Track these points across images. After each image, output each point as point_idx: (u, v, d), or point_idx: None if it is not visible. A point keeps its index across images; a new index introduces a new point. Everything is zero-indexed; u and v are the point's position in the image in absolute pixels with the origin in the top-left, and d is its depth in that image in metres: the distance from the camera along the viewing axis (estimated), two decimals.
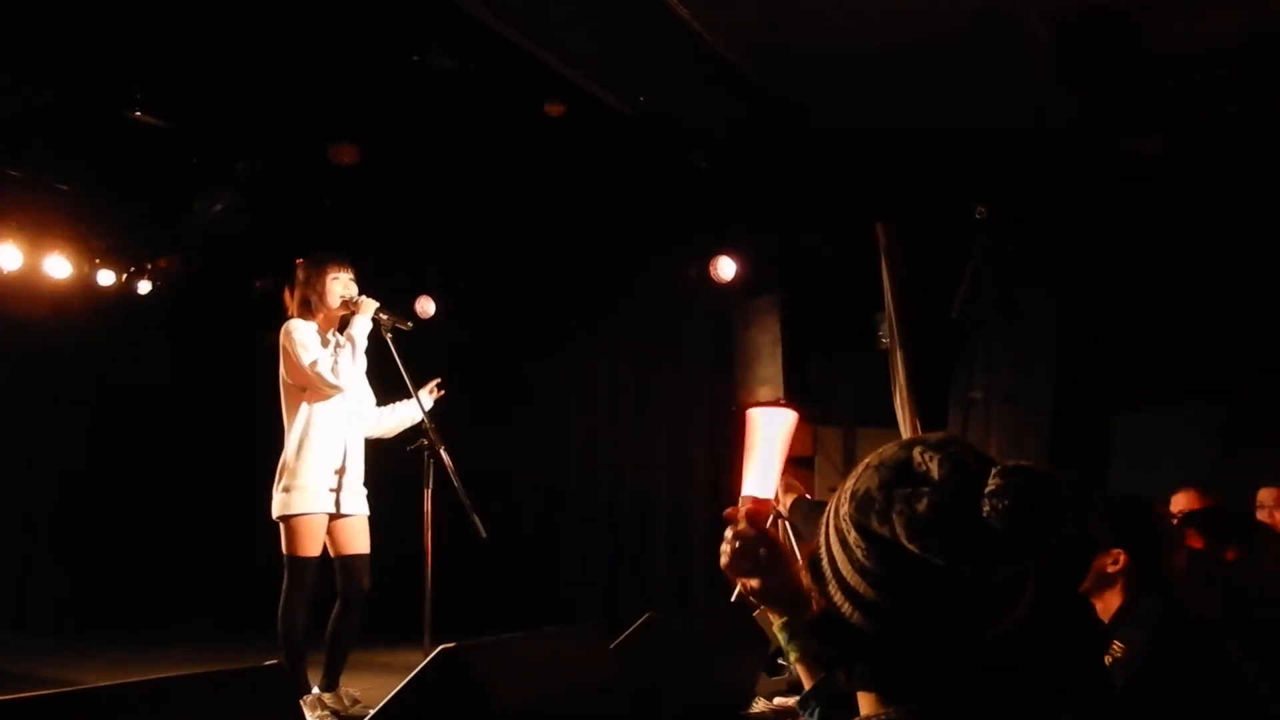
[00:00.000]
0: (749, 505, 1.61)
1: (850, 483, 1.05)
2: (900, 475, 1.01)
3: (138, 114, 5.45)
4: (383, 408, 4.64)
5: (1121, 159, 5.59)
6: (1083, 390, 6.02)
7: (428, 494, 4.32)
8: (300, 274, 4.50)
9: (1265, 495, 4.52)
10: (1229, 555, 2.91)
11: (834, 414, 7.19)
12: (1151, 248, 6.21)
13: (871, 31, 4.20)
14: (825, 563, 1.04)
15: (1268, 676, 2.44)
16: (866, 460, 1.08)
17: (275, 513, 4.30)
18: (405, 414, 4.63)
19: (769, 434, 1.75)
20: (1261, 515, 4.42)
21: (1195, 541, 2.96)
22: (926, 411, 6.19)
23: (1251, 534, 3.05)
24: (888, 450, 1.06)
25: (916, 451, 1.02)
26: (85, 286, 7.02)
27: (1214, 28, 4.49)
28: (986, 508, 0.93)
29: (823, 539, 1.05)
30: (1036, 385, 5.91)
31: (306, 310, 4.45)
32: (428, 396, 4.62)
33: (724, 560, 1.43)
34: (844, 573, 1.01)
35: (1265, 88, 4.82)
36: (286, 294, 4.53)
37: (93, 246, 7.00)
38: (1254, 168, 5.70)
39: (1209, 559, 2.90)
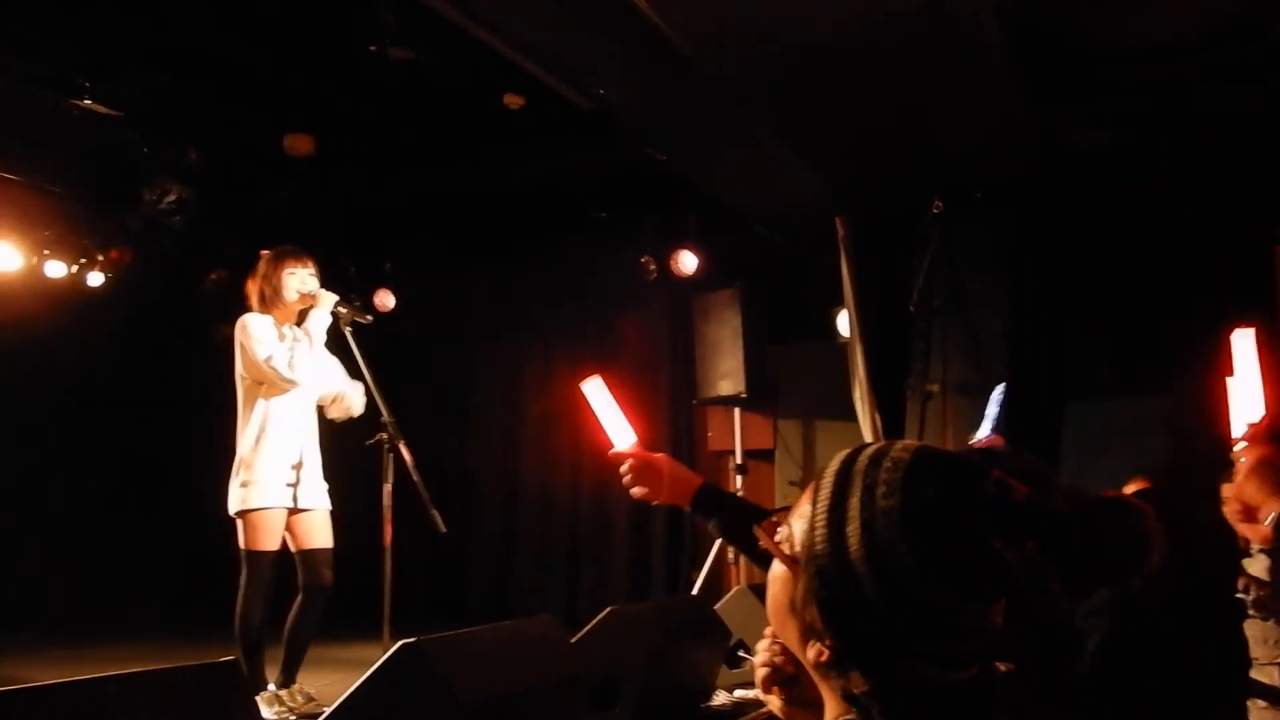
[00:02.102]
0: (622, 452, 2.09)
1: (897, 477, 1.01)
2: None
3: (87, 102, 5.34)
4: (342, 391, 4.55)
5: (1069, 151, 5.67)
6: (1036, 381, 6.10)
7: (387, 489, 4.28)
8: (261, 266, 4.45)
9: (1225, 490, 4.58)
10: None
11: (793, 407, 7.23)
12: (1100, 239, 6.31)
13: (822, 23, 4.22)
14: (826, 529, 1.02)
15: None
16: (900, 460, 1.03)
17: (232, 508, 4.25)
18: (339, 387, 4.53)
19: (600, 399, 2.17)
20: (1225, 511, 4.48)
21: None
22: (885, 404, 6.25)
23: (1184, 526, 3.08)
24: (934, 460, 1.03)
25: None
26: (34, 278, 6.87)
27: (1165, 23, 4.57)
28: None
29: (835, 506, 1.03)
30: (990, 377, 5.99)
31: (263, 303, 4.39)
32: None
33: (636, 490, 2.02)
34: (853, 553, 0.99)
35: (1215, 83, 4.91)
36: (249, 285, 4.47)
37: (41, 237, 6.86)
38: (1205, 159, 5.81)
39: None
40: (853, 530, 0.99)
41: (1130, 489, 4.48)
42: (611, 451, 2.07)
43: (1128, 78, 4.99)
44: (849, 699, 1.02)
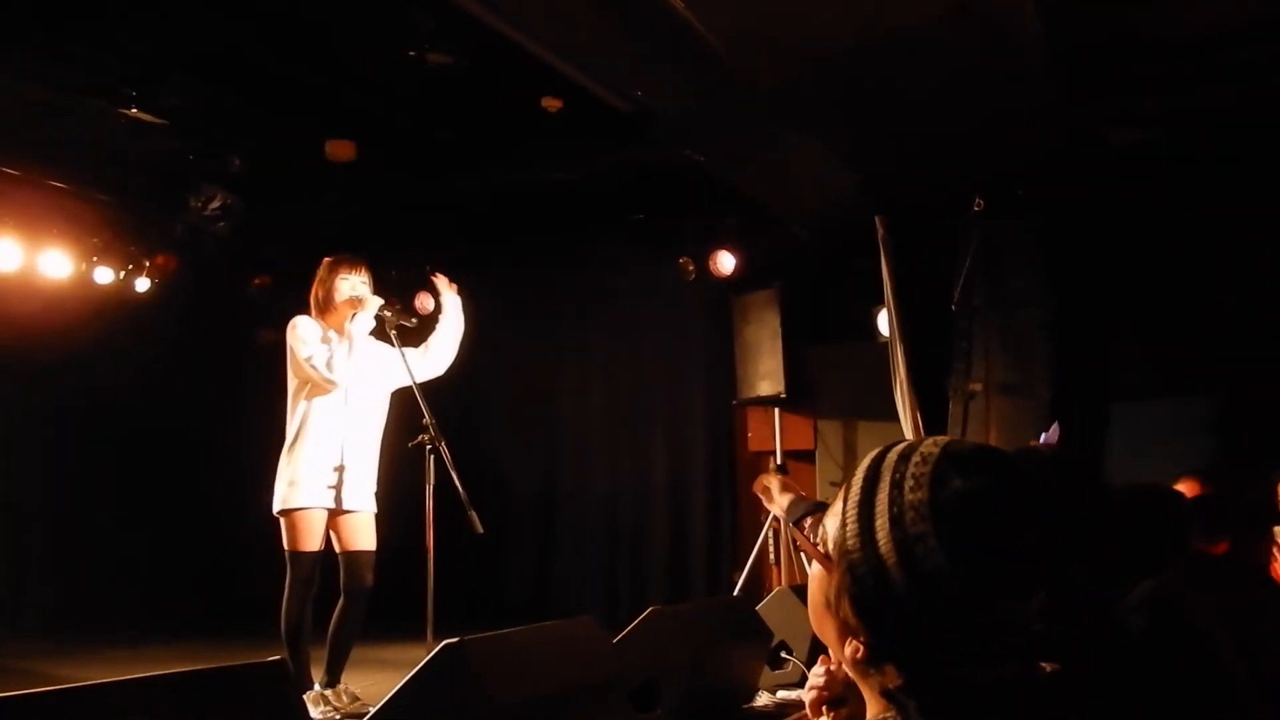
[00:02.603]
0: None
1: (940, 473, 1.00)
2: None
3: (133, 111, 5.43)
4: (427, 353, 4.68)
5: (1112, 148, 5.60)
6: (1079, 380, 6.03)
7: (429, 490, 4.31)
8: (319, 272, 4.59)
9: None
10: (1220, 548, 2.90)
11: (833, 407, 7.19)
12: (1145, 237, 6.21)
13: (859, 24, 4.19)
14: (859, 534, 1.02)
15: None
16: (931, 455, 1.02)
17: (275, 507, 4.31)
18: (441, 344, 4.70)
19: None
20: None
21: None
22: (926, 404, 6.20)
23: (1245, 526, 3.03)
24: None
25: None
26: (83, 284, 7.01)
27: (1205, 18, 4.49)
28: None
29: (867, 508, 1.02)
30: (1033, 376, 5.92)
31: (316, 307, 4.50)
32: (451, 296, 4.85)
33: None
34: (887, 559, 0.98)
35: (1255, 78, 4.82)
36: (310, 291, 4.58)
37: (90, 245, 6.99)
38: (1243, 157, 5.70)
39: (1198, 551, 2.89)
40: (881, 525, 0.99)
41: (1181, 489, 4.41)
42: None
43: (1169, 74, 4.92)
44: (887, 696, 1.01)
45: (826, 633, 1.07)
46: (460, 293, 4.89)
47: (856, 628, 1.01)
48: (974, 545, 0.95)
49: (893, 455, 1.03)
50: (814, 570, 1.08)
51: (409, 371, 4.43)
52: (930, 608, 0.96)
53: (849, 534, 1.01)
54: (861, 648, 1.01)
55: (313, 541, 4.27)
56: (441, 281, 4.90)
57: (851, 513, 1.02)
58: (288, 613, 4.26)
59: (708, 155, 5.81)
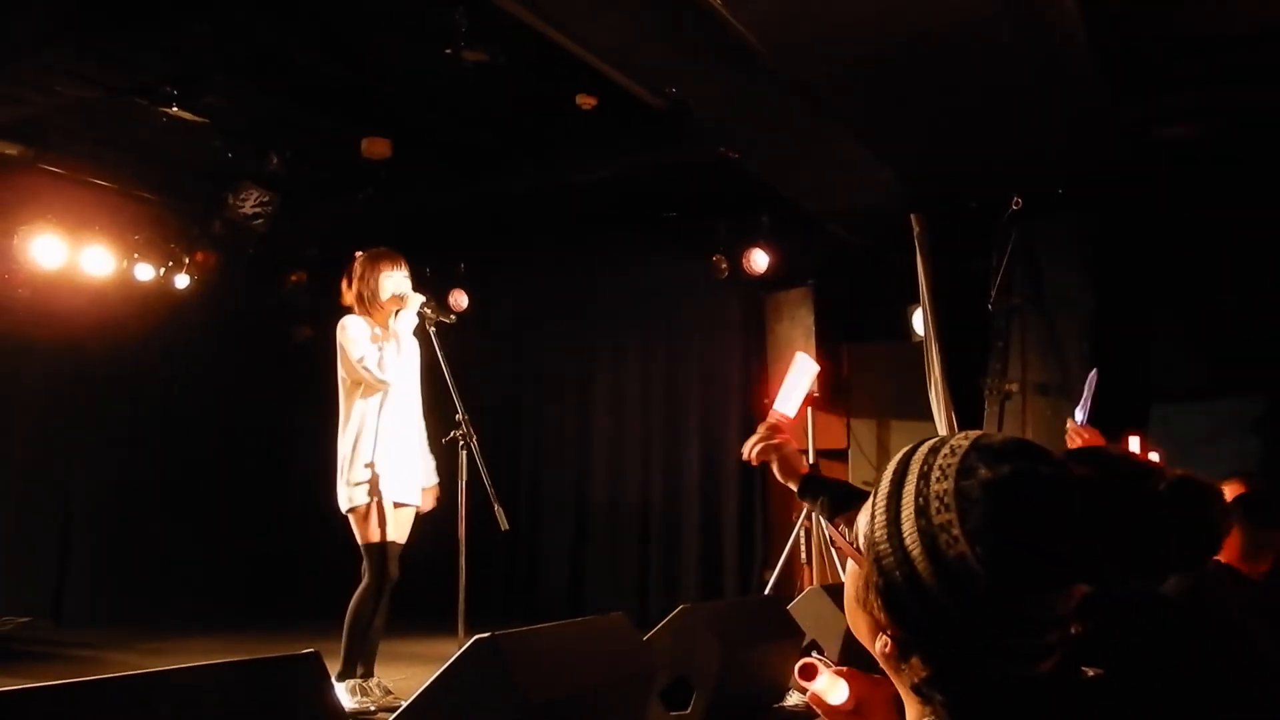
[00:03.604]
0: (777, 416, 2.31)
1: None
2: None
3: (174, 110, 5.51)
4: None
5: (1156, 146, 5.52)
6: (1120, 381, 5.95)
7: (461, 486, 4.34)
8: (357, 268, 4.56)
9: None
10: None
11: (867, 406, 7.15)
12: (1189, 236, 6.12)
13: (900, 18, 4.16)
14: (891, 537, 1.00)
15: None
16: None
17: (343, 506, 4.36)
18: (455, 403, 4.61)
19: (802, 371, 2.40)
20: None
21: (1238, 535, 2.91)
22: (961, 404, 6.15)
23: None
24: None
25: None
26: (124, 281, 7.11)
27: (1253, 11, 4.42)
28: None
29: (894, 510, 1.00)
30: (1071, 376, 5.85)
31: (361, 305, 4.51)
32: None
33: (748, 447, 2.21)
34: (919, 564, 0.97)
35: None
36: (344, 286, 4.59)
37: (132, 242, 7.09)
38: None
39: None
40: (907, 516, 0.97)
41: (1226, 492, 4.34)
42: (772, 413, 2.33)
43: (1215, 68, 4.84)
44: (915, 691, 1.00)
45: (860, 627, 1.06)
46: (494, 291, 4.85)
47: (885, 622, 1.00)
48: (1000, 535, 0.92)
49: (923, 449, 1.02)
50: (849, 566, 1.08)
51: (446, 368, 4.45)
52: (956, 600, 0.94)
53: (877, 527, 1.00)
54: (890, 642, 0.99)
55: (386, 532, 4.31)
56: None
57: (880, 505, 1.01)
58: (361, 603, 4.28)
59: (743, 152, 5.79)
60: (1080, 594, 0.97)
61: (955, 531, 0.94)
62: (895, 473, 1.03)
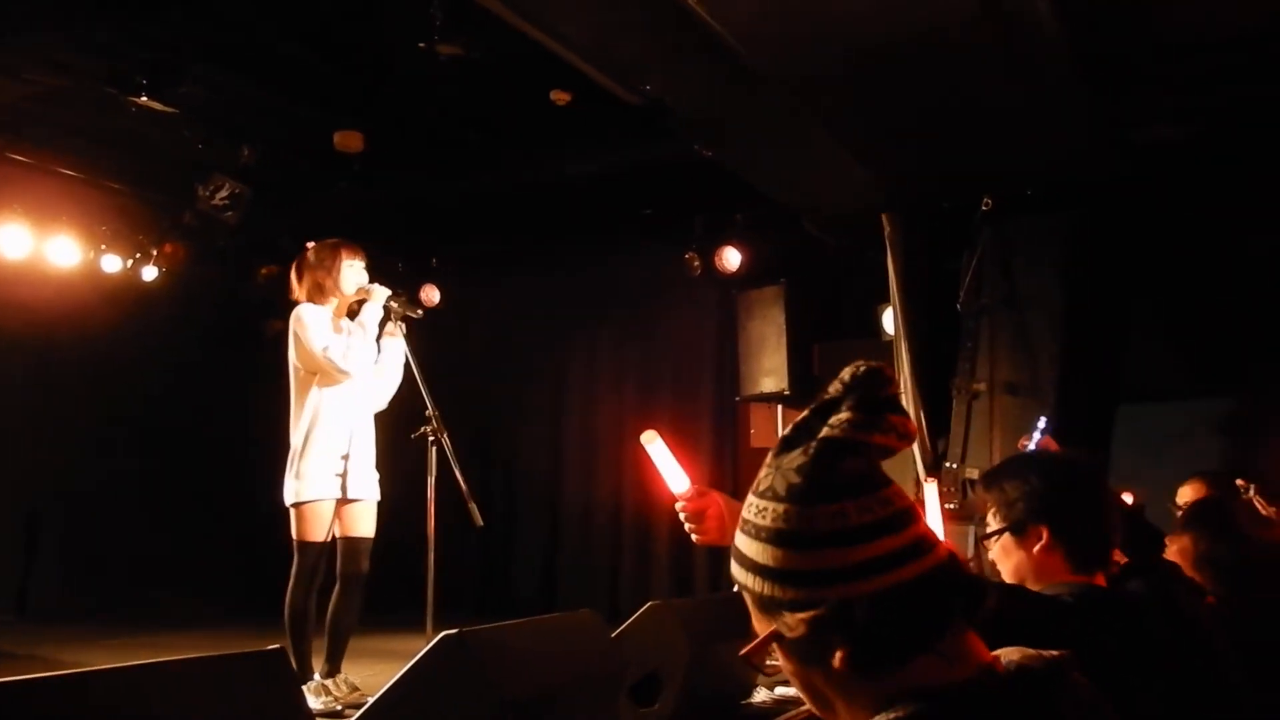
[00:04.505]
0: (681, 497, 2.02)
1: None
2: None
3: (144, 99, 5.44)
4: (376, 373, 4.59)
5: (1130, 147, 5.57)
6: (1086, 381, 6.00)
7: (431, 481, 4.31)
8: (311, 258, 4.48)
9: None
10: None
11: None
12: (1160, 237, 6.19)
13: (876, 18, 4.18)
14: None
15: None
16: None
17: (287, 500, 4.31)
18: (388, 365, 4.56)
19: (655, 450, 2.08)
20: None
21: (1191, 540, 2.94)
22: (930, 403, 6.18)
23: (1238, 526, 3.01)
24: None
25: None
26: (91, 272, 7.03)
27: (1230, 15, 4.46)
28: None
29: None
30: (1040, 376, 5.90)
31: (317, 295, 4.42)
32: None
33: (699, 537, 1.95)
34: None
35: (1276, 78, 4.80)
36: (293, 277, 4.50)
37: (99, 232, 7.01)
38: (1263, 157, 5.67)
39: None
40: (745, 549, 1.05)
41: (1187, 491, 4.40)
42: (676, 501, 2.02)
43: (1190, 72, 4.89)
44: (872, 680, 0.98)
45: (825, 699, 1.05)
46: (465, 287, 4.82)
47: (804, 640, 1.00)
48: (790, 478, 1.00)
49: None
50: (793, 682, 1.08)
51: (414, 364, 4.43)
52: (797, 542, 0.98)
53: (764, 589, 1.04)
54: (844, 656, 0.98)
55: (321, 532, 4.27)
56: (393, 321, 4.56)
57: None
58: (293, 602, 4.26)
59: (717, 150, 5.79)
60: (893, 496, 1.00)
61: (789, 510, 0.99)
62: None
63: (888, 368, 1.04)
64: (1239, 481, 4.33)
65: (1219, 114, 5.25)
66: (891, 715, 0.95)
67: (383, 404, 4.61)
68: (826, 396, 1.04)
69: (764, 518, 1.01)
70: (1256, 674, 2.21)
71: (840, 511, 0.97)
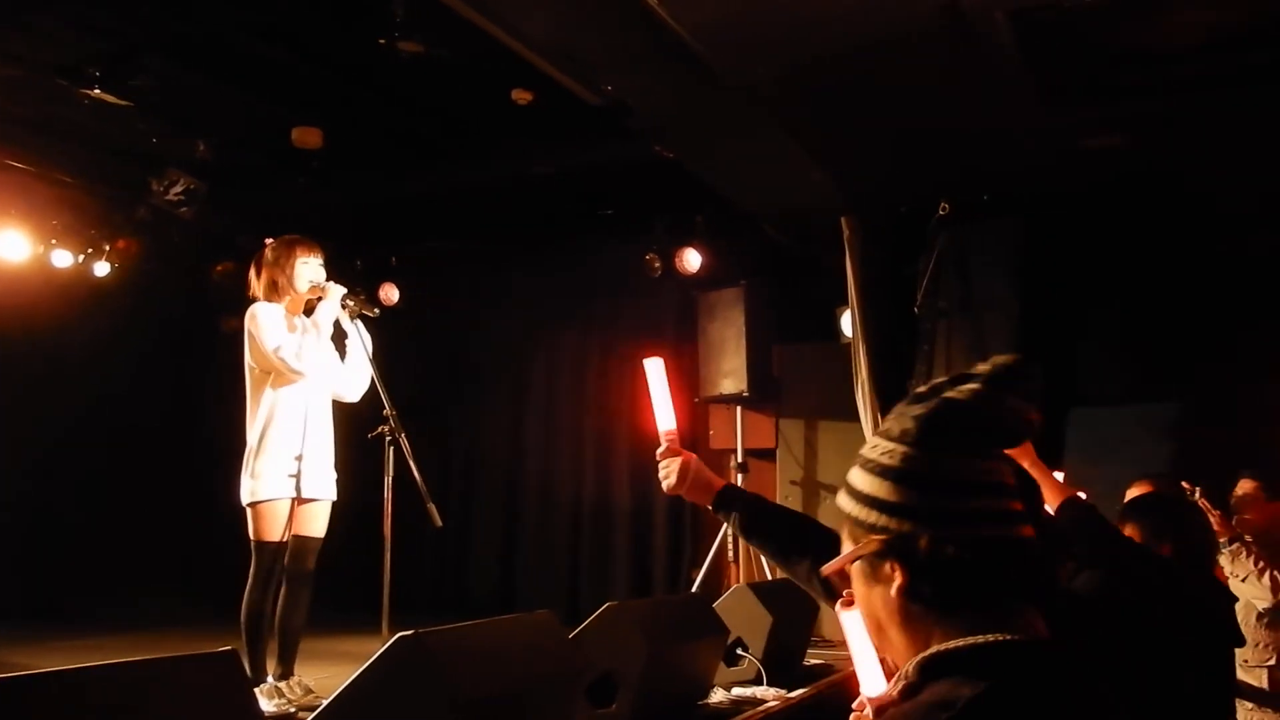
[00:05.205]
0: (670, 436, 2.07)
1: None
2: None
3: (96, 92, 5.35)
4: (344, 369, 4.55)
5: (1082, 156, 5.66)
6: (1042, 385, 6.08)
7: (388, 482, 4.28)
8: (269, 255, 4.42)
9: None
10: (1165, 549, 2.95)
11: (796, 407, 7.23)
12: (1112, 243, 6.30)
13: (836, 25, 4.21)
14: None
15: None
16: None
17: (244, 499, 4.26)
18: (356, 370, 4.53)
19: (655, 375, 2.13)
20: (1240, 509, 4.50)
21: (1134, 532, 3.00)
22: (887, 405, 6.24)
23: (1189, 529, 3.07)
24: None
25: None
26: (41, 267, 6.90)
27: (1178, 28, 4.55)
28: None
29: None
30: None
31: (273, 292, 4.38)
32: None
33: (666, 481, 2.02)
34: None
35: (1226, 89, 4.90)
36: (252, 274, 4.45)
37: (49, 227, 6.88)
38: (1212, 167, 5.79)
39: (1144, 549, 2.94)
40: (862, 485, 1.18)
41: (1134, 493, 4.48)
42: (662, 436, 2.08)
43: (1140, 82, 4.98)
44: (939, 607, 1.09)
45: (888, 631, 1.16)
46: (425, 286, 4.78)
47: (889, 571, 1.12)
48: (920, 425, 1.13)
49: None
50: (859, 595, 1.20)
51: (372, 362, 4.39)
52: (915, 484, 1.10)
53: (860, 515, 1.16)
54: (902, 581, 1.10)
55: (277, 531, 4.23)
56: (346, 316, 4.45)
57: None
58: (250, 603, 4.21)
59: (679, 151, 5.81)
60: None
61: (894, 448, 1.13)
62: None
63: (1032, 364, 1.15)
64: (1184, 484, 4.43)
65: (1167, 123, 5.35)
66: (922, 657, 1.08)
67: (354, 396, 4.56)
68: (969, 370, 1.16)
69: (873, 451, 1.15)
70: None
71: (939, 460, 1.10)
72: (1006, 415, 1.12)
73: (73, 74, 5.30)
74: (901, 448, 1.11)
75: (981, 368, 1.14)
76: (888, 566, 1.10)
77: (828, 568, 1.19)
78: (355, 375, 4.53)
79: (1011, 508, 1.10)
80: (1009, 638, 1.04)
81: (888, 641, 1.15)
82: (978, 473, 1.10)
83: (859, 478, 1.15)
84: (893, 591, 1.09)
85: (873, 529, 1.11)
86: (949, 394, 1.13)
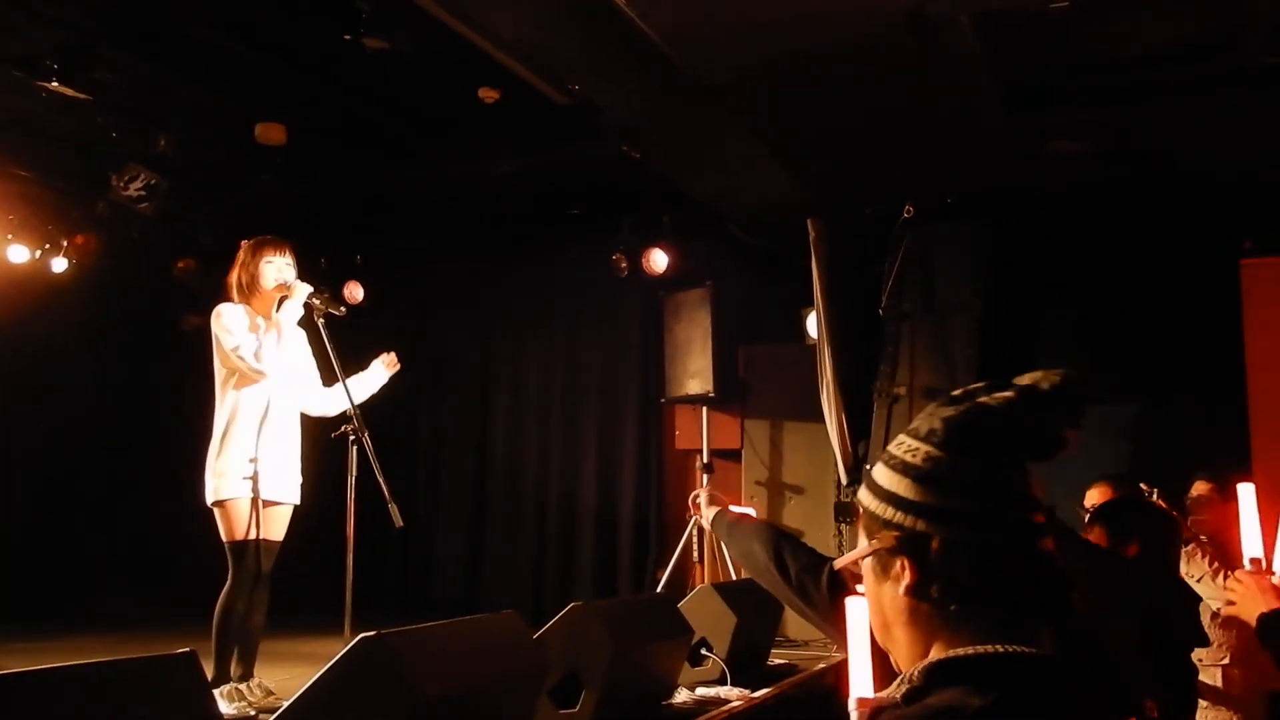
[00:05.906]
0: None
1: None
2: None
3: (54, 85, 5.26)
4: (329, 389, 4.53)
5: (1046, 160, 5.73)
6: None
7: (351, 482, 4.25)
8: (240, 255, 4.41)
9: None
10: (1131, 550, 2.98)
11: (761, 407, 7.26)
12: (1074, 247, 6.38)
13: (803, 28, 4.24)
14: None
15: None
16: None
17: (208, 499, 4.21)
18: (345, 395, 4.49)
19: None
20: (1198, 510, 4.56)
21: (1100, 537, 3.03)
22: (852, 406, 6.29)
23: (1154, 529, 3.11)
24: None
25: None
26: None
27: (1140, 35, 4.63)
28: None
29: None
30: (957, 381, 6.04)
31: (241, 292, 4.36)
32: (383, 370, 4.59)
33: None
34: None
35: (1189, 94, 4.98)
36: (230, 275, 4.43)
37: (5, 222, 6.75)
38: (1172, 172, 5.88)
39: (1110, 553, 2.97)
40: (886, 482, 1.16)
41: (1093, 494, 4.54)
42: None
43: (1102, 88, 5.06)
44: (945, 607, 1.08)
45: (893, 630, 1.15)
46: (391, 284, 4.75)
47: (902, 569, 1.11)
48: (950, 429, 1.12)
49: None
50: (869, 591, 1.19)
51: (336, 362, 4.35)
52: (939, 488, 1.09)
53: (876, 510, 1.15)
54: (912, 578, 1.09)
55: (244, 528, 4.18)
56: (388, 359, 4.66)
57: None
58: (227, 603, 4.15)
59: (646, 151, 5.82)
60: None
61: (919, 447, 1.12)
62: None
63: (1082, 382, 1.15)
64: (1143, 485, 4.49)
65: (1128, 129, 5.43)
66: (929, 662, 1.06)
67: (331, 412, 4.51)
68: (1014, 381, 1.15)
69: (899, 449, 1.15)
70: None
71: (962, 463, 1.10)
72: (1038, 427, 1.12)
73: (30, 66, 5.21)
74: (926, 447, 1.12)
75: (1024, 378, 1.14)
76: (898, 564, 1.10)
77: (840, 561, 1.18)
78: (337, 396, 4.47)
79: (1031, 520, 1.10)
80: (1020, 650, 1.03)
81: (892, 639, 1.15)
82: (1000, 480, 1.10)
83: (881, 473, 1.15)
84: (901, 590, 1.10)
85: (887, 525, 1.12)
86: (983, 399, 1.13)
